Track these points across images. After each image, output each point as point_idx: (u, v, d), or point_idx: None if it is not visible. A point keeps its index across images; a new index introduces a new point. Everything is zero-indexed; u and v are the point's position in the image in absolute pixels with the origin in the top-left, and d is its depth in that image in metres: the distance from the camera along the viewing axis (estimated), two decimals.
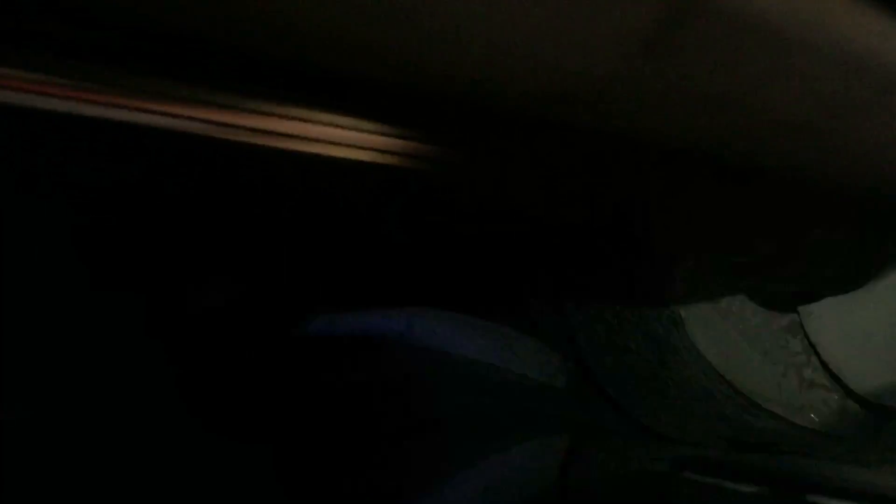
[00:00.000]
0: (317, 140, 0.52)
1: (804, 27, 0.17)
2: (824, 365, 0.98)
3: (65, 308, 0.65)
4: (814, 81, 0.19)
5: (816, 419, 1.01)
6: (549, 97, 0.19)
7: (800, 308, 0.98)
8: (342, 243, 0.80)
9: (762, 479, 0.52)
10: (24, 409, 0.61)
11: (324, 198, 0.59)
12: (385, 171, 0.55)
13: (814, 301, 0.94)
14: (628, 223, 0.70)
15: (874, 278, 0.90)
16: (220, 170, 0.50)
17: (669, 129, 0.22)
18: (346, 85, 0.55)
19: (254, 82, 0.48)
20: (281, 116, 0.50)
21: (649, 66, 0.16)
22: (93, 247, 0.63)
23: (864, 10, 0.18)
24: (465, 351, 0.92)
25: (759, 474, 0.53)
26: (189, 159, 0.49)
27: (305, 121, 0.51)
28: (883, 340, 0.90)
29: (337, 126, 0.53)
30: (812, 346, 0.98)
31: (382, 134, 0.54)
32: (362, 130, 0.54)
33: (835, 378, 0.97)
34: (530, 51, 0.17)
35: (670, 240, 0.75)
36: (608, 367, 1.02)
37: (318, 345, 0.83)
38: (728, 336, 1.09)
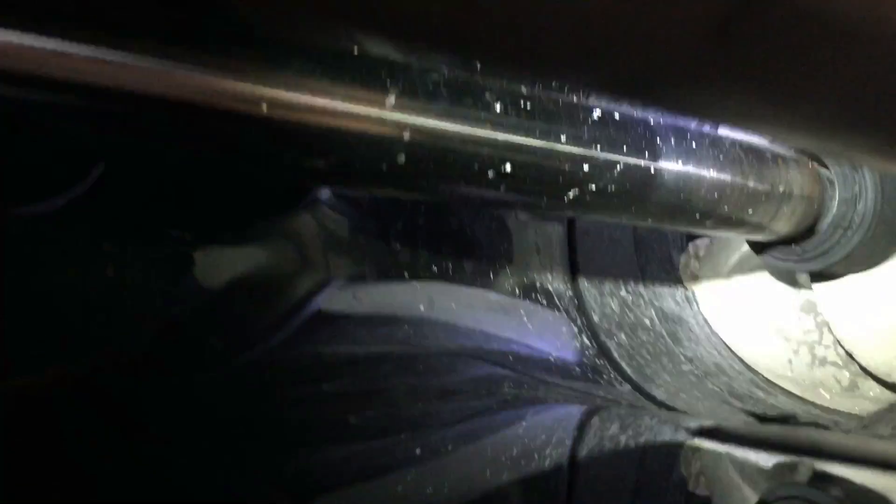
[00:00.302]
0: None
1: (866, 19, 0.17)
2: (837, 342, 0.98)
3: None
4: (870, 72, 0.20)
5: (828, 396, 1.02)
6: (616, 84, 0.19)
7: (814, 286, 0.99)
8: None
9: (779, 448, 0.53)
10: None
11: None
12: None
13: (830, 279, 0.95)
14: None
15: (889, 256, 0.91)
16: None
17: (728, 115, 0.23)
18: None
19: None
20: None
21: (719, 49, 0.17)
22: None
23: None
24: (482, 325, 0.93)
25: (775, 444, 0.54)
26: None
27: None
28: None
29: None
30: (825, 324, 0.99)
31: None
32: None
33: (847, 355, 0.97)
34: (595, 30, 0.17)
35: None
36: (623, 342, 1.03)
37: (338, 318, 0.84)
38: (741, 313, 1.10)
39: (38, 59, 0.42)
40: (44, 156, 0.55)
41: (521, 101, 0.60)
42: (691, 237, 1.16)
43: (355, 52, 0.54)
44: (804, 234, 0.88)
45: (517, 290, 0.99)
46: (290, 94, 0.50)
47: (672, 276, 1.15)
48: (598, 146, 0.64)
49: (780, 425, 0.77)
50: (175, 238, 0.72)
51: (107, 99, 0.45)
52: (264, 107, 0.49)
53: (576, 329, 1.03)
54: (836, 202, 0.86)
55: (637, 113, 0.69)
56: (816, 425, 0.77)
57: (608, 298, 1.07)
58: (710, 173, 0.72)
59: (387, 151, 0.55)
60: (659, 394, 0.99)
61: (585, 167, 0.64)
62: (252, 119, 0.49)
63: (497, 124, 0.59)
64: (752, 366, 1.08)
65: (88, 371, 0.67)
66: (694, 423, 0.77)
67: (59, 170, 0.57)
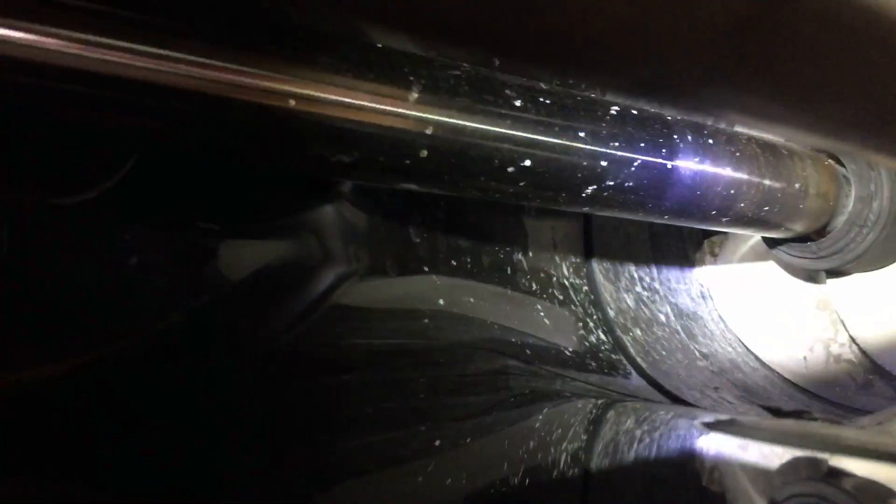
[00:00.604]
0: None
1: (877, 24, 0.18)
2: (852, 340, 0.99)
3: None
4: (884, 73, 0.21)
5: (842, 393, 1.02)
6: (638, 85, 0.21)
7: (829, 283, 0.99)
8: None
9: (793, 442, 0.54)
10: None
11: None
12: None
13: (846, 277, 0.95)
14: None
15: None
16: None
17: (746, 116, 0.24)
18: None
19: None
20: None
21: (738, 51, 0.18)
22: None
23: None
24: (499, 319, 0.95)
25: (790, 438, 0.55)
26: None
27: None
28: None
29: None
30: (840, 321, 1.00)
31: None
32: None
33: (862, 353, 0.98)
34: (620, 36, 0.19)
35: None
36: (638, 337, 1.04)
37: (359, 310, 0.85)
38: (756, 310, 1.11)
39: (76, 54, 0.44)
40: (79, 148, 0.57)
41: (541, 98, 0.61)
42: (707, 234, 1.17)
43: (380, 48, 0.55)
44: (819, 231, 0.89)
45: (534, 285, 1.00)
46: (316, 89, 0.52)
47: (687, 272, 1.16)
48: (616, 143, 0.66)
49: (795, 420, 0.78)
50: (204, 229, 0.73)
51: (142, 93, 0.47)
52: (292, 102, 0.51)
53: (592, 324, 1.04)
54: (852, 200, 0.86)
55: (654, 109, 0.70)
56: (831, 421, 0.78)
57: (624, 294, 1.08)
58: (727, 170, 0.73)
59: (410, 146, 0.57)
60: (674, 390, 0.99)
61: (603, 163, 0.65)
62: (280, 114, 0.51)
63: (517, 120, 0.60)
64: (767, 362, 1.09)
65: (110, 360, 0.68)
66: (709, 418, 0.78)
67: (94, 161, 0.59)
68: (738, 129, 0.79)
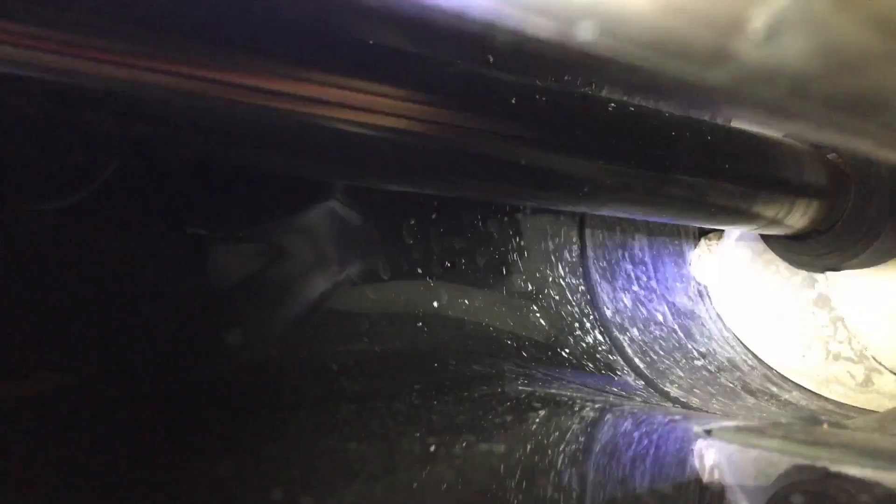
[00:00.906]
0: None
1: None
2: (851, 337, 0.98)
3: None
4: None
5: (842, 391, 1.01)
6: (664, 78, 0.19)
7: (828, 281, 0.98)
8: None
9: (793, 444, 0.53)
10: None
11: None
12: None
13: (845, 274, 0.94)
14: None
15: None
16: None
17: (769, 113, 0.23)
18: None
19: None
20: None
21: (768, 44, 0.17)
22: None
23: None
24: (494, 321, 0.93)
25: (789, 439, 0.54)
26: None
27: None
28: None
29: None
30: (840, 318, 0.99)
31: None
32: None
33: (862, 350, 0.97)
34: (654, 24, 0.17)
35: None
36: (635, 337, 1.03)
37: (351, 315, 0.84)
38: (754, 308, 1.10)
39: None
40: (57, 153, 0.56)
41: (537, 95, 0.60)
42: (704, 232, 1.16)
43: (372, 46, 0.54)
44: (819, 228, 0.87)
45: (529, 286, 0.99)
46: (305, 87, 0.50)
47: (685, 270, 1.15)
48: (613, 141, 0.64)
49: (795, 422, 0.77)
50: (191, 234, 0.72)
51: (131, 96, 0.45)
52: (280, 100, 0.49)
53: (588, 324, 1.03)
54: (852, 196, 0.85)
55: (651, 106, 0.68)
56: (833, 423, 0.77)
57: (620, 293, 1.07)
58: (726, 168, 0.72)
59: (402, 145, 0.55)
60: (672, 390, 0.98)
61: (600, 161, 0.64)
62: (271, 114, 0.49)
63: (512, 118, 0.59)
64: (766, 361, 1.08)
65: (99, 368, 0.67)
66: (707, 419, 0.77)
67: (72, 166, 0.58)
68: (736, 125, 0.77)
